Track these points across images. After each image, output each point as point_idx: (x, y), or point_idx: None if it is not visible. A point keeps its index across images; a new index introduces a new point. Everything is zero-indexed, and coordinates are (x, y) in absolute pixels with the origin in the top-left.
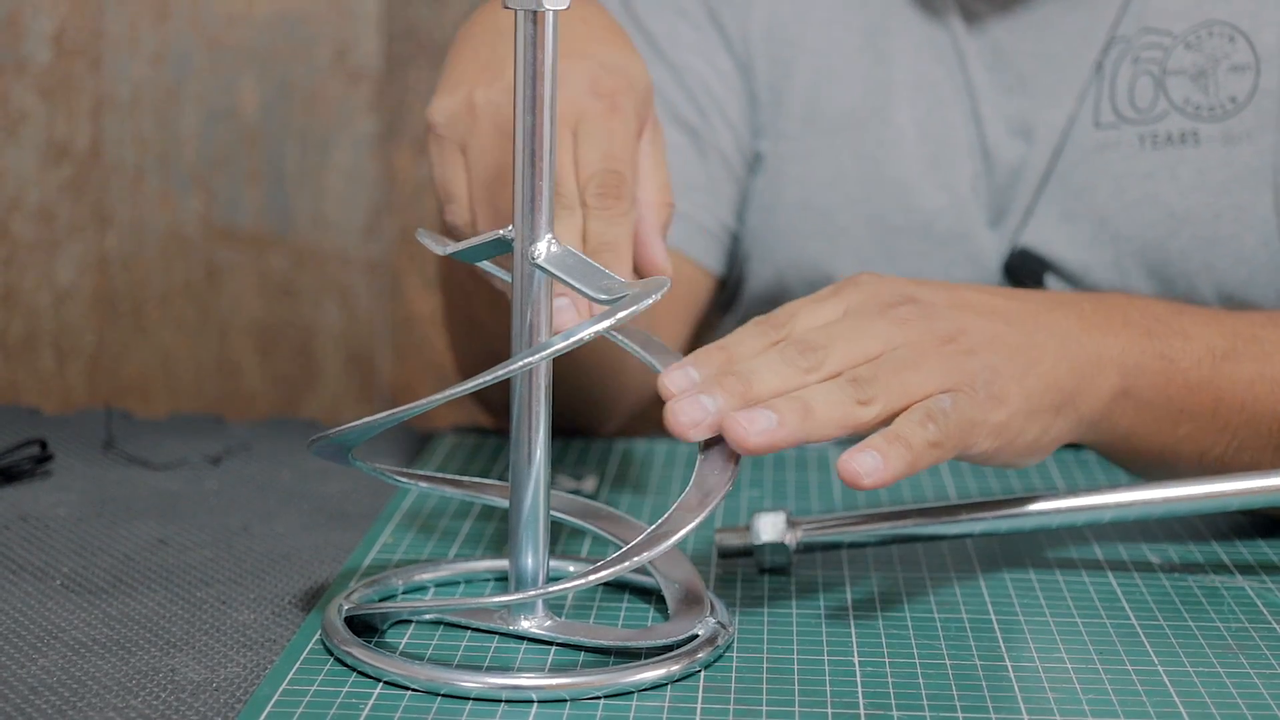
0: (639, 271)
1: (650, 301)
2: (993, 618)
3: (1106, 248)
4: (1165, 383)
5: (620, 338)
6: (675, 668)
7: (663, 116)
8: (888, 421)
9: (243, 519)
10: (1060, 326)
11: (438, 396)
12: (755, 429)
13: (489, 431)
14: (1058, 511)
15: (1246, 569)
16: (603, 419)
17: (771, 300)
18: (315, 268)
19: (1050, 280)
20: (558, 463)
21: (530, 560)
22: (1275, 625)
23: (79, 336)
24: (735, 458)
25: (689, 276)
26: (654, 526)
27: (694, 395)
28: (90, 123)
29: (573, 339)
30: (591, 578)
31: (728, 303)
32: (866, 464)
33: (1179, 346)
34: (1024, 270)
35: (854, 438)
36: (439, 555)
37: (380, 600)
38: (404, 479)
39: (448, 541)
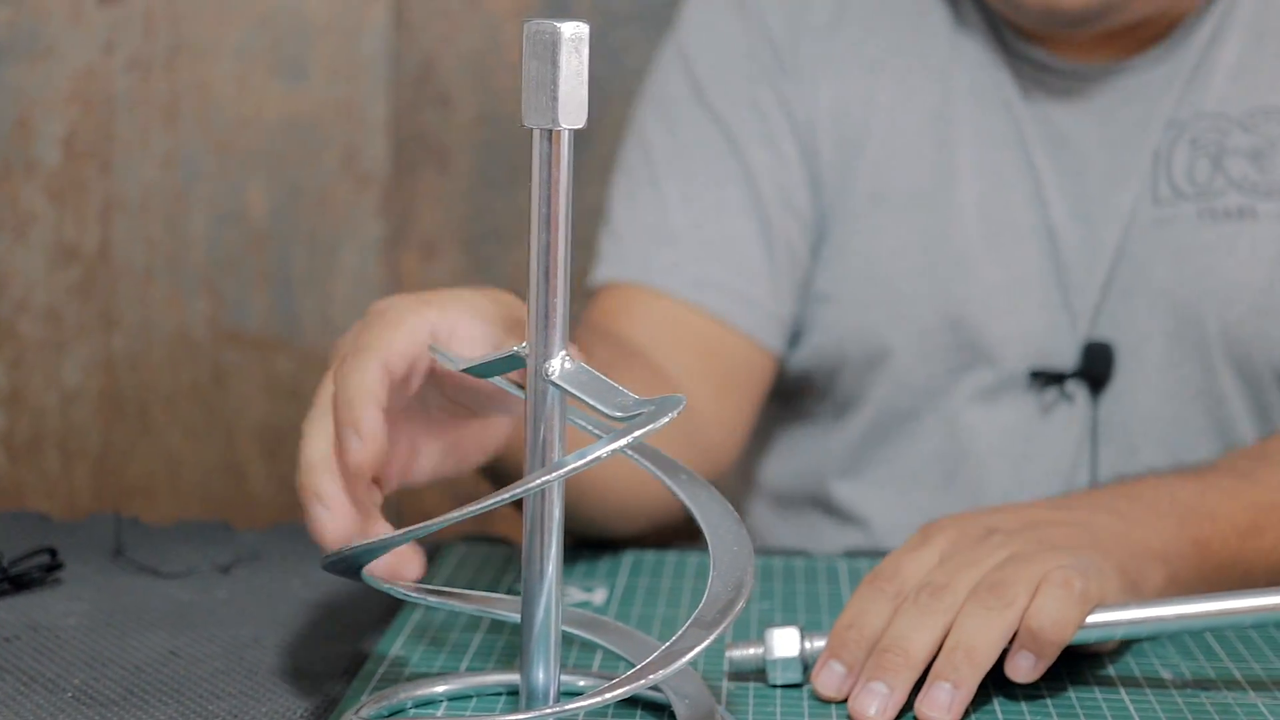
0: None
1: (666, 420)
2: None
3: (1167, 318)
4: (1200, 564)
5: (636, 456)
6: None
7: (734, 209)
8: None
9: (254, 630)
10: (1111, 528)
11: (452, 515)
12: (942, 706)
13: (498, 541)
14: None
15: (1258, 685)
16: (617, 532)
17: (828, 373)
18: (322, 371)
19: (1119, 367)
20: (566, 574)
21: (542, 676)
22: None
23: (85, 438)
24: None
25: (752, 359)
26: (668, 644)
27: (865, 687)
28: (99, 225)
29: (588, 458)
30: (606, 696)
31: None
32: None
33: (1209, 530)
34: (1098, 359)
35: None
36: (450, 669)
37: (390, 716)
38: (415, 594)
39: (458, 654)
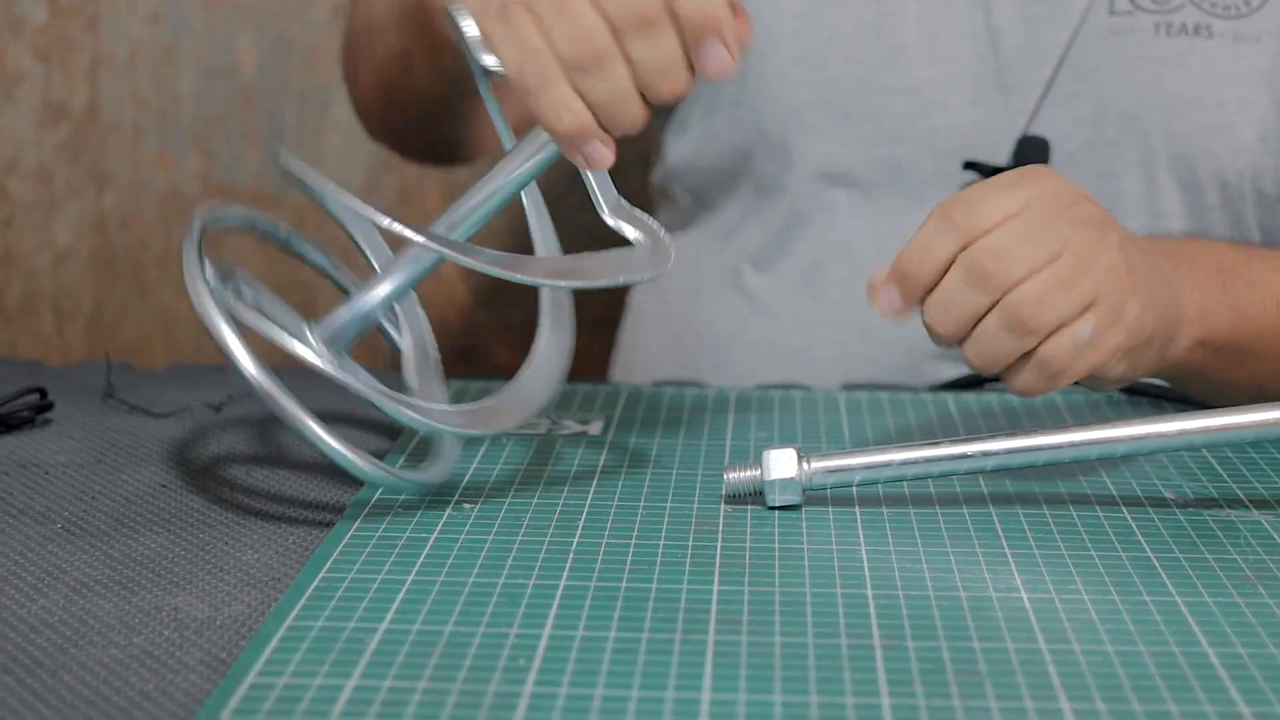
0: None
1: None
2: (1006, 551)
3: (1113, 126)
4: (1235, 330)
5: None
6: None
7: None
8: None
9: (245, 464)
10: (1159, 271)
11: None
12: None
13: (489, 379)
14: (1070, 445)
15: (1261, 503)
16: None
17: (746, 154)
18: (314, 225)
19: (1055, 168)
20: (562, 407)
21: None
22: None
23: (78, 297)
24: None
25: None
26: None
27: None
28: (87, 83)
29: None
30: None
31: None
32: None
33: (1248, 296)
34: (1032, 154)
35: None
36: (450, 488)
37: None
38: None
39: (459, 474)
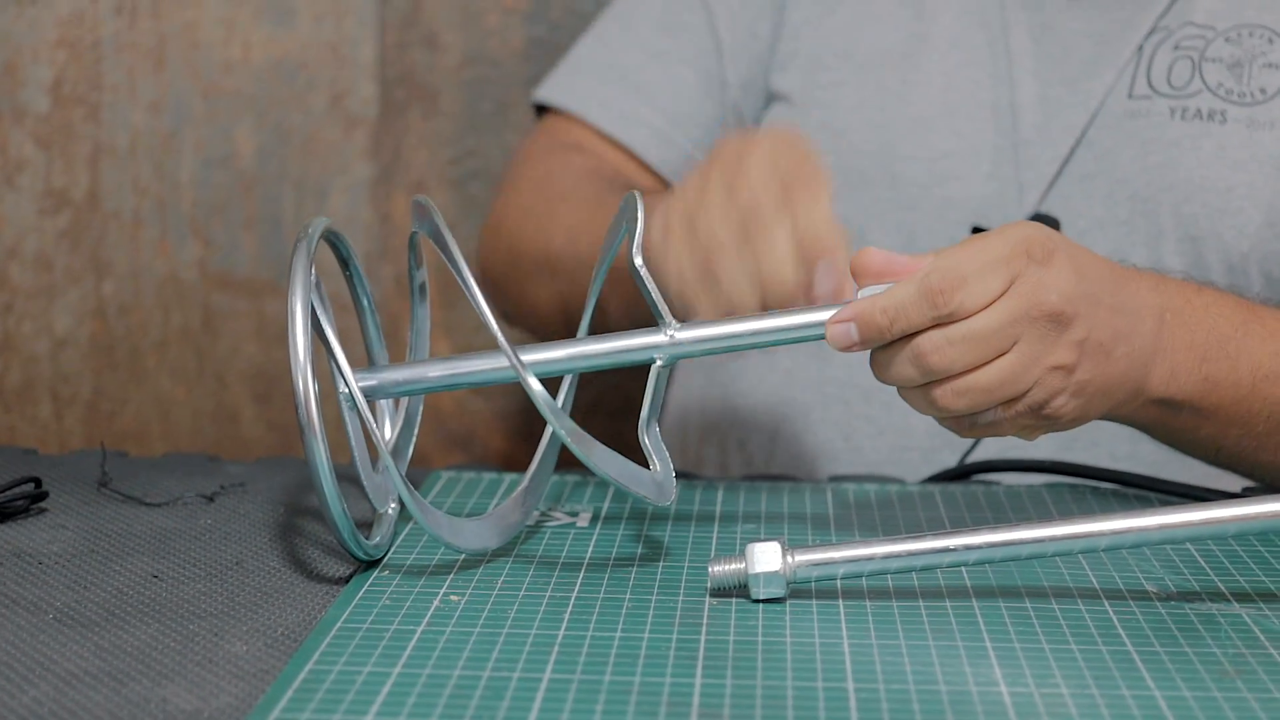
0: None
1: None
2: (988, 643)
3: (1123, 206)
4: (1201, 398)
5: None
6: None
7: (686, 58)
8: None
9: (236, 554)
10: (1131, 343)
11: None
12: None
13: (483, 468)
14: (1053, 539)
15: (1243, 596)
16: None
17: None
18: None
19: None
20: (552, 499)
21: None
22: (1273, 651)
23: (77, 384)
24: None
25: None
26: None
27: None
28: (88, 171)
29: None
30: None
31: None
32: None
33: (1225, 369)
34: None
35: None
36: (438, 579)
37: None
38: None
39: (447, 566)
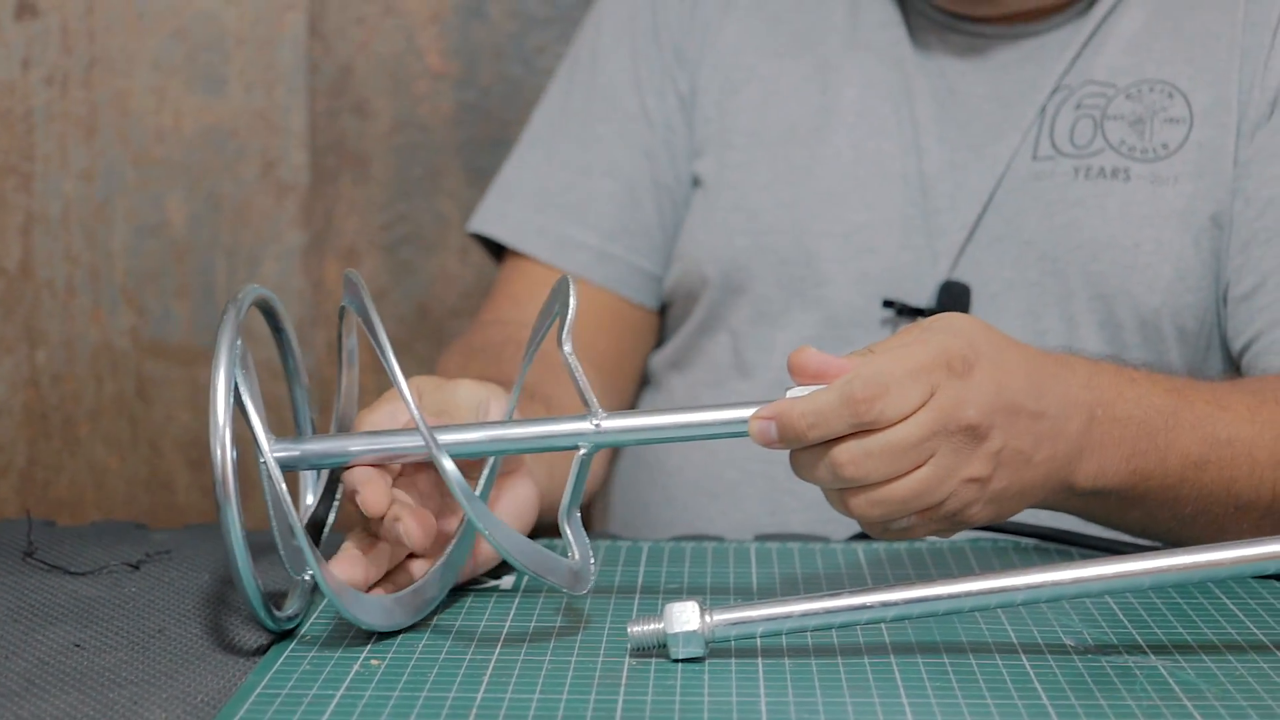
0: None
1: None
2: (904, 701)
3: (1033, 267)
4: (1129, 489)
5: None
6: None
7: (606, 169)
8: None
9: (159, 621)
10: (1055, 447)
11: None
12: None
13: None
14: (968, 595)
15: (1159, 649)
16: None
17: (690, 295)
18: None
19: (975, 309)
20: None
21: None
22: (1186, 703)
23: (11, 453)
24: None
25: (631, 315)
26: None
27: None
28: (20, 240)
29: None
30: None
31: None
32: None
33: (1153, 463)
34: (952, 300)
35: None
36: (359, 644)
37: None
38: None
39: (364, 638)
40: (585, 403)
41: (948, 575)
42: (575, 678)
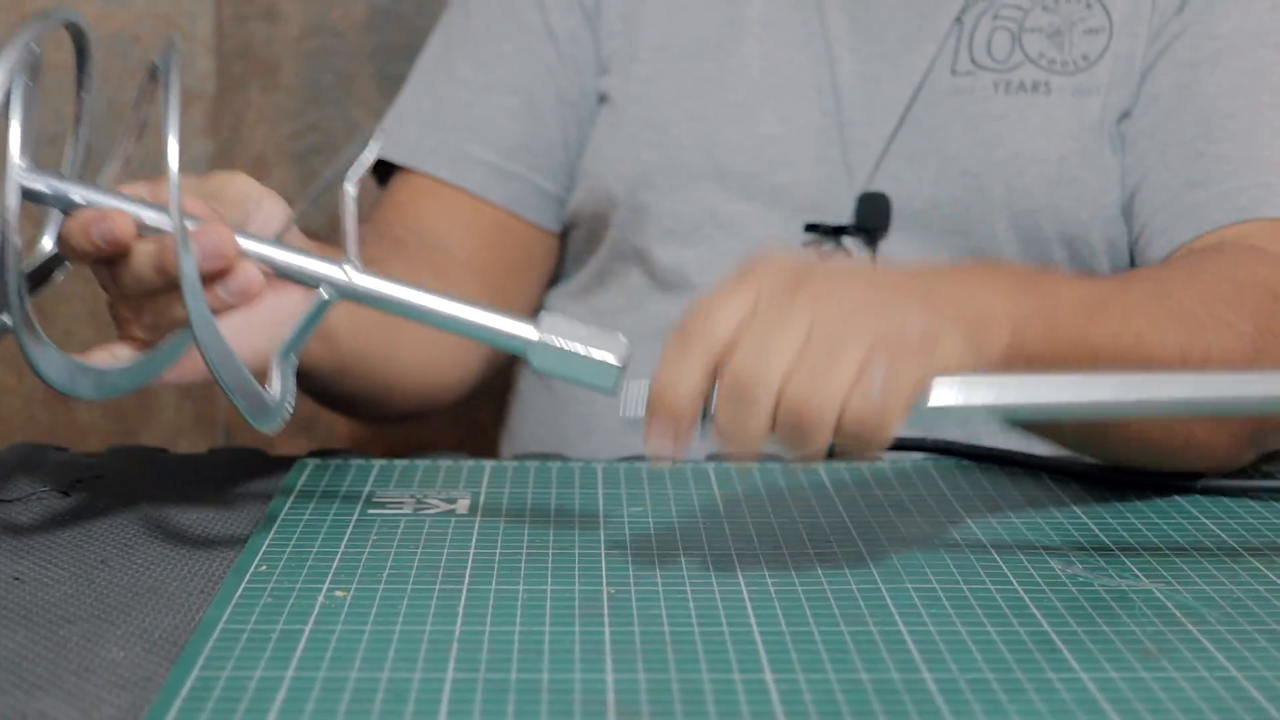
0: None
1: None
2: (902, 629)
3: (954, 183)
4: (1046, 333)
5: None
6: None
7: (507, 86)
8: None
9: (100, 552)
10: (948, 292)
11: None
12: None
13: (349, 454)
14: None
15: (1151, 573)
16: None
17: (598, 217)
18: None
19: (895, 225)
20: (427, 484)
21: None
22: (1190, 627)
23: None
24: None
25: (529, 236)
26: None
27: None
28: None
29: None
30: None
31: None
32: None
33: (1051, 304)
34: (872, 212)
35: None
36: (319, 574)
37: None
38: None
39: (327, 559)
40: (346, 248)
41: (916, 495)
42: (555, 607)
